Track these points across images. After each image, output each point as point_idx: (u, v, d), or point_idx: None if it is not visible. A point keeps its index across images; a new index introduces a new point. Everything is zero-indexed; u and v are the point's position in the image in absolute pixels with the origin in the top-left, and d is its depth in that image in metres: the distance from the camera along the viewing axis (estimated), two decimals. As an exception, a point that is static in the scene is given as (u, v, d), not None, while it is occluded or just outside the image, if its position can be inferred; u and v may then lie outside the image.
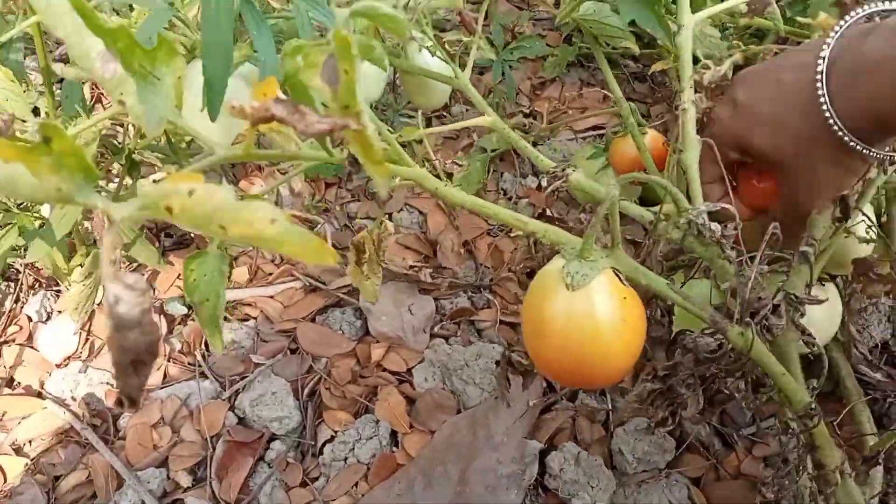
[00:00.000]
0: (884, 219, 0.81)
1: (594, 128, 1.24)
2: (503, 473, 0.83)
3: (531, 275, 0.98)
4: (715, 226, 0.52)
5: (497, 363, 0.89)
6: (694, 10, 0.67)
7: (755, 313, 0.51)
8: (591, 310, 0.46)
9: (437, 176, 0.55)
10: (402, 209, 1.11)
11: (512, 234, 1.10)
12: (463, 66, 0.77)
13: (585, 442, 0.87)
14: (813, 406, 0.52)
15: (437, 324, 0.98)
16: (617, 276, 0.49)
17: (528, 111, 1.31)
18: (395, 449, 0.86)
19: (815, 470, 0.60)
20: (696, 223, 0.52)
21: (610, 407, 0.89)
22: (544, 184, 0.56)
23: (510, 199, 1.16)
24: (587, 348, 0.46)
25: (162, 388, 0.91)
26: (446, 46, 0.80)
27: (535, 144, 1.22)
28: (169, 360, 0.94)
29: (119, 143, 0.83)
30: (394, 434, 0.88)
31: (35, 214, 0.87)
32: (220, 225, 0.30)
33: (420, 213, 1.11)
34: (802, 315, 0.55)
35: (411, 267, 1.04)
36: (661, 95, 1.27)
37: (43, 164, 0.32)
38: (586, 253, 0.48)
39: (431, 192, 0.54)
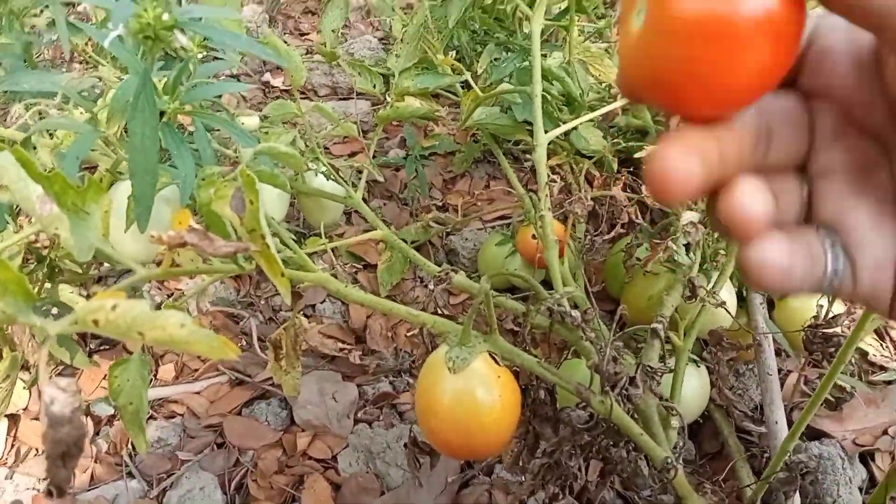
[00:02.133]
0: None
1: (501, 217, 1.35)
2: (425, 549, 0.88)
3: None
4: (575, 313, 0.62)
5: (405, 445, 0.95)
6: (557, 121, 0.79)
7: (615, 385, 0.60)
8: (470, 389, 0.54)
9: (335, 276, 0.63)
10: (324, 300, 1.18)
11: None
12: (356, 186, 0.87)
13: (502, 513, 0.93)
14: (669, 460, 0.60)
15: (360, 409, 1.03)
16: (494, 358, 0.57)
17: (441, 204, 1.42)
18: (321, 534, 0.90)
19: (690, 521, 0.68)
20: (558, 311, 0.61)
21: (523, 480, 0.96)
22: (431, 286, 0.65)
23: (426, 286, 1.24)
24: (468, 422, 0.54)
25: (89, 489, 0.93)
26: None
27: (448, 234, 1.32)
28: (96, 461, 0.96)
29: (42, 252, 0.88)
30: (320, 520, 0.92)
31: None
32: (138, 332, 0.37)
33: (342, 303, 1.18)
34: (659, 384, 0.64)
35: (341, 350, 1.11)
36: (561, 186, 1.40)
37: (-13, 294, 0.39)
38: (465, 340, 0.56)
39: (334, 294, 0.62)
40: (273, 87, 1.87)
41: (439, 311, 0.72)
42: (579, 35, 1.12)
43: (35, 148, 0.75)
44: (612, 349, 0.62)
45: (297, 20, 2.17)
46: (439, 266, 1.30)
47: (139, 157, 0.51)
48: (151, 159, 0.50)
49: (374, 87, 1.06)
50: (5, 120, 0.85)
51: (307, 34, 2.08)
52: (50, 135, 0.82)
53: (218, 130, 0.73)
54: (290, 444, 0.99)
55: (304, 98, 1.93)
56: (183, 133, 0.68)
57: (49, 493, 0.35)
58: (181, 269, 0.50)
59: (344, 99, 1.71)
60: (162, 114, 0.59)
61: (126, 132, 0.61)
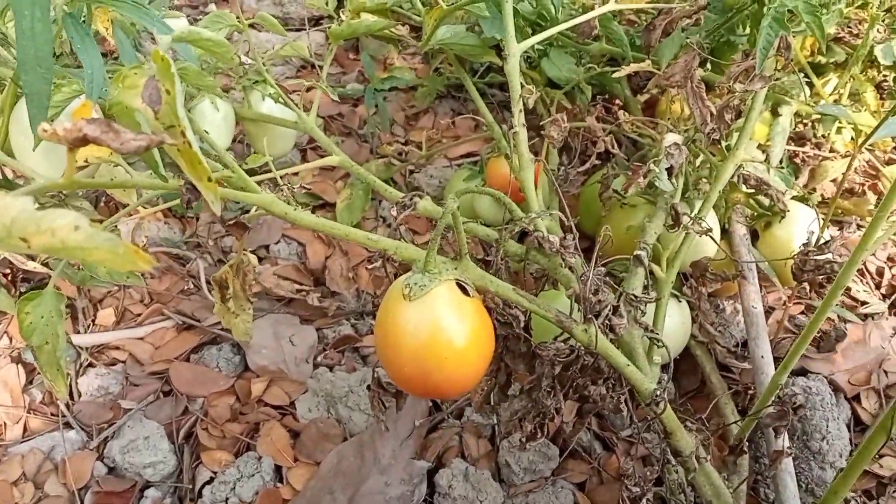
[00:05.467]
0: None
1: (468, 154, 1.27)
2: (392, 496, 0.82)
3: None
4: (553, 238, 0.55)
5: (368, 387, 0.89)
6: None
7: (598, 314, 0.54)
8: (427, 319, 0.47)
9: (288, 202, 0.56)
10: (279, 241, 1.10)
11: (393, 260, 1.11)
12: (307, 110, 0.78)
13: (473, 457, 0.87)
14: (658, 393, 0.55)
15: (320, 353, 0.97)
16: (463, 287, 0.50)
17: (403, 140, 1.33)
18: (279, 484, 0.84)
19: (675, 458, 0.63)
20: (535, 236, 0.54)
21: (496, 421, 0.91)
22: (394, 213, 0.58)
23: (389, 225, 1.17)
24: (425, 357, 0.47)
25: (23, 442, 0.85)
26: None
27: (412, 172, 1.24)
28: (29, 412, 0.88)
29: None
30: (278, 469, 0.85)
31: None
32: (21, 237, 0.30)
33: (299, 243, 1.11)
34: (644, 314, 0.58)
35: (298, 292, 1.03)
36: (530, 122, 1.32)
37: None
38: (429, 266, 0.49)
39: (281, 217, 0.54)
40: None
41: (403, 239, 0.65)
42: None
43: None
44: (595, 277, 0.56)
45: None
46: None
47: (29, 45, 0.42)
48: (43, 46, 0.41)
49: (327, 4, 0.96)
50: None
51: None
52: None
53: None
54: (244, 391, 0.92)
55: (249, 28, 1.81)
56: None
57: None
58: (90, 182, 0.42)
59: (296, 30, 1.60)
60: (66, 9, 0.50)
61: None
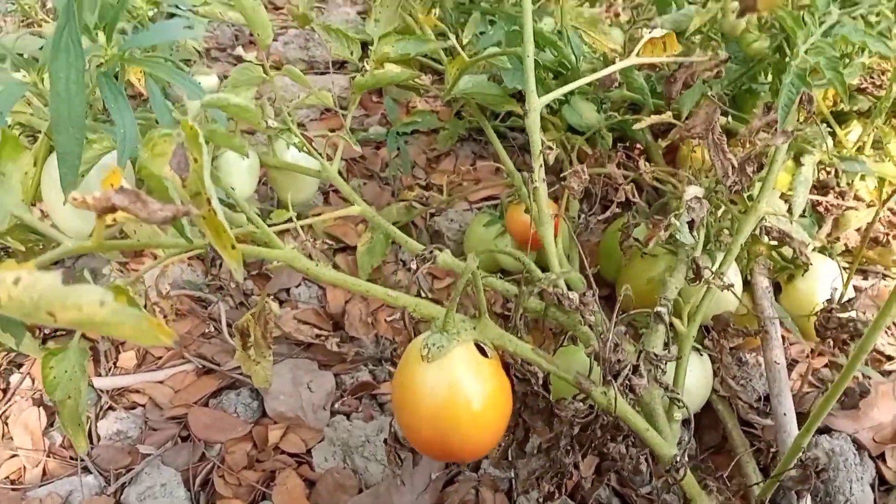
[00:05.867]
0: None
1: (488, 198, 1.28)
2: (406, 550, 0.81)
3: None
4: (573, 294, 0.55)
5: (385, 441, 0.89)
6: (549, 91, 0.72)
7: (618, 374, 0.53)
8: (445, 382, 0.47)
9: (310, 256, 0.56)
10: (299, 284, 1.10)
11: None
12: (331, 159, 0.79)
13: (489, 512, 0.86)
14: (678, 458, 0.54)
15: (337, 400, 0.96)
16: (482, 346, 0.50)
17: (424, 183, 1.34)
18: (294, 534, 0.84)
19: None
20: (554, 293, 0.54)
21: (513, 475, 0.89)
22: (413, 266, 0.58)
23: (409, 269, 1.17)
24: (442, 420, 0.47)
25: (41, 485, 0.86)
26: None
27: (432, 215, 1.25)
28: (48, 455, 0.88)
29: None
30: (293, 519, 0.85)
31: None
32: (48, 312, 0.30)
33: (319, 287, 1.11)
34: (664, 372, 0.57)
35: (317, 336, 1.03)
36: (550, 166, 1.33)
37: None
38: (448, 326, 0.49)
39: (303, 272, 0.55)
40: (245, 61, 1.79)
41: (423, 295, 0.65)
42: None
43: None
44: (615, 335, 0.55)
45: (271, -8, 2.08)
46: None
47: (62, 106, 0.44)
48: (77, 108, 0.42)
49: (352, 53, 0.98)
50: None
51: (281, 8, 1.99)
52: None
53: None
54: (261, 438, 0.91)
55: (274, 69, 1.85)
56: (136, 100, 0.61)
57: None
58: (118, 243, 0.43)
59: (321, 73, 1.63)
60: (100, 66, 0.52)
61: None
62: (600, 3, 1.13)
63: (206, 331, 1.05)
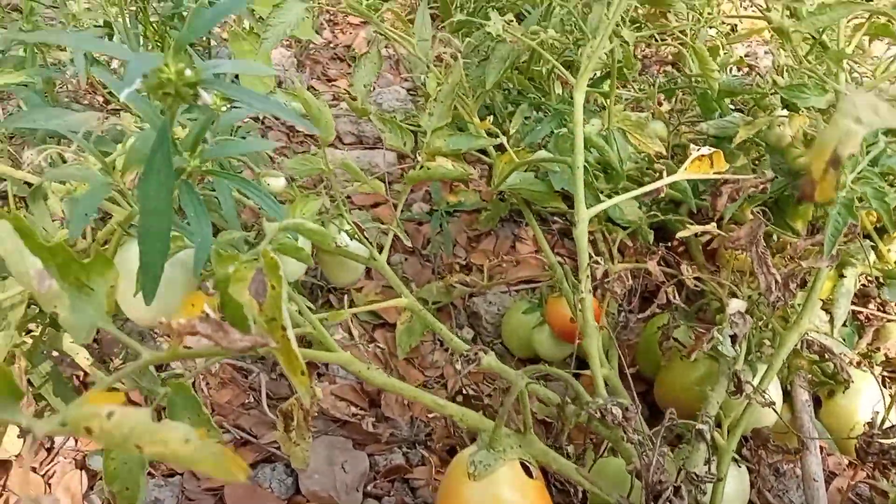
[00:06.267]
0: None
1: (527, 281, 1.30)
2: None
3: (452, 452, 0.98)
4: (616, 409, 0.56)
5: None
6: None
7: (658, 496, 0.54)
8: (490, 502, 0.48)
9: (350, 334, 0.59)
10: (338, 360, 1.13)
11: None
12: (381, 248, 0.83)
13: None
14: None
15: (370, 481, 0.97)
16: (527, 464, 0.51)
17: (464, 262, 1.37)
18: None
19: None
20: (599, 410, 0.55)
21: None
22: (458, 367, 0.60)
23: (446, 350, 1.19)
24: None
25: (78, 552, 0.87)
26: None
27: (471, 296, 1.27)
28: (88, 523, 0.90)
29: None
30: None
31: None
32: (136, 445, 0.33)
33: (357, 364, 1.13)
34: (705, 493, 0.58)
35: (354, 415, 1.05)
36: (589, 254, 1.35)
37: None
38: (495, 443, 0.51)
39: (356, 375, 0.57)
40: (297, 132, 1.85)
41: (463, 392, 0.67)
42: (617, 102, 1.09)
43: (46, 197, 0.71)
44: (658, 453, 0.56)
45: (325, 66, 2.16)
46: (460, 329, 1.26)
47: (151, 222, 0.47)
48: (164, 224, 0.45)
49: (405, 144, 1.02)
50: (20, 160, 0.82)
51: (334, 80, 2.07)
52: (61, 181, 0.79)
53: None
54: (293, 516, 0.92)
55: (329, 145, 1.91)
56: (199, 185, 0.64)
57: None
58: (191, 352, 0.46)
59: (370, 148, 1.69)
60: (180, 171, 0.56)
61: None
62: (645, 104, 1.17)
63: (246, 401, 1.07)
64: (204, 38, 1.59)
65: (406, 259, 1.37)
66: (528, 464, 0.51)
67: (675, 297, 0.96)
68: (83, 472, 0.95)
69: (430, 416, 1.04)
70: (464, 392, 0.63)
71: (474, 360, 0.67)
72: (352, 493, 0.94)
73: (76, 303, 0.41)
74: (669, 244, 1.13)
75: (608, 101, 1.01)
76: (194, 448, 0.32)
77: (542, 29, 0.90)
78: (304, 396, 0.40)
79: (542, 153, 0.90)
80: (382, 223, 0.92)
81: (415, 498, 0.95)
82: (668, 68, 1.62)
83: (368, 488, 0.96)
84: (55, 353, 0.89)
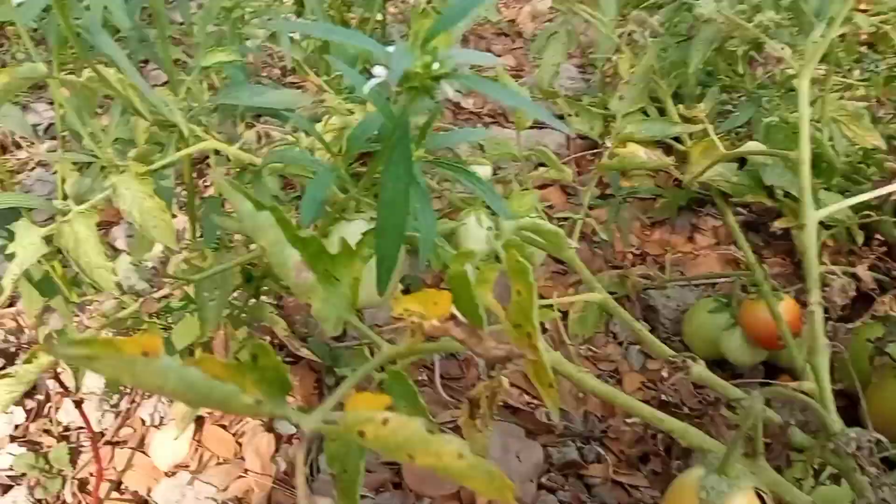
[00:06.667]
0: None
1: (706, 277, 1.23)
2: None
3: (644, 459, 0.95)
4: (852, 433, 0.51)
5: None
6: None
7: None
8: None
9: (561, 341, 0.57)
10: (510, 346, 1.12)
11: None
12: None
13: None
14: None
15: (544, 473, 0.96)
16: (762, 494, 0.47)
17: (638, 251, 1.32)
18: None
19: None
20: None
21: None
22: (664, 374, 0.56)
23: (620, 343, 1.15)
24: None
25: (267, 512, 0.93)
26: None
27: (646, 289, 1.22)
28: (275, 483, 0.96)
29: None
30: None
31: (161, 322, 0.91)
32: (408, 453, 0.32)
33: (527, 350, 1.12)
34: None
35: (527, 404, 1.04)
36: (779, 249, 1.25)
37: (249, 379, 0.36)
38: (727, 468, 0.47)
39: (566, 377, 0.55)
40: (463, 108, 1.85)
41: (664, 397, 0.63)
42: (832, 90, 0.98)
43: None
44: (891, 490, 0.51)
45: (489, 41, 2.15)
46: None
47: (389, 214, 0.47)
48: (400, 217, 0.45)
49: (592, 129, 0.98)
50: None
51: (500, 56, 2.05)
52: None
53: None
54: (469, 499, 0.93)
55: (493, 122, 1.90)
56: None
57: None
58: (431, 346, 0.46)
59: (538, 128, 1.65)
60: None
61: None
62: (867, 92, 1.05)
63: (420, 378, 1.09)
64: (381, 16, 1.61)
65: (576, 247, 1.33)
66: (763, 493, 0.48)
67: (892, 310, 0.87)
68: (272, 434, 1.01)
69: (605, 407, 1.01)
70: (662, 398, 0.59)
71: (683, 367, 0.63)
72: (526, 484, 0.94)
73: (326, 295, 0.42)
74: (888, 253, 1.03)
75: (823, 87, 0.92)
76: (468, 465, 0.31)
77: (761, 11, 0.83)
78: (553, 409, 0.39)
79: (753, 144, 0.83)
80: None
81: (591, 496, 0.93)
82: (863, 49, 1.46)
83: (542, 480, 0.95)
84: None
